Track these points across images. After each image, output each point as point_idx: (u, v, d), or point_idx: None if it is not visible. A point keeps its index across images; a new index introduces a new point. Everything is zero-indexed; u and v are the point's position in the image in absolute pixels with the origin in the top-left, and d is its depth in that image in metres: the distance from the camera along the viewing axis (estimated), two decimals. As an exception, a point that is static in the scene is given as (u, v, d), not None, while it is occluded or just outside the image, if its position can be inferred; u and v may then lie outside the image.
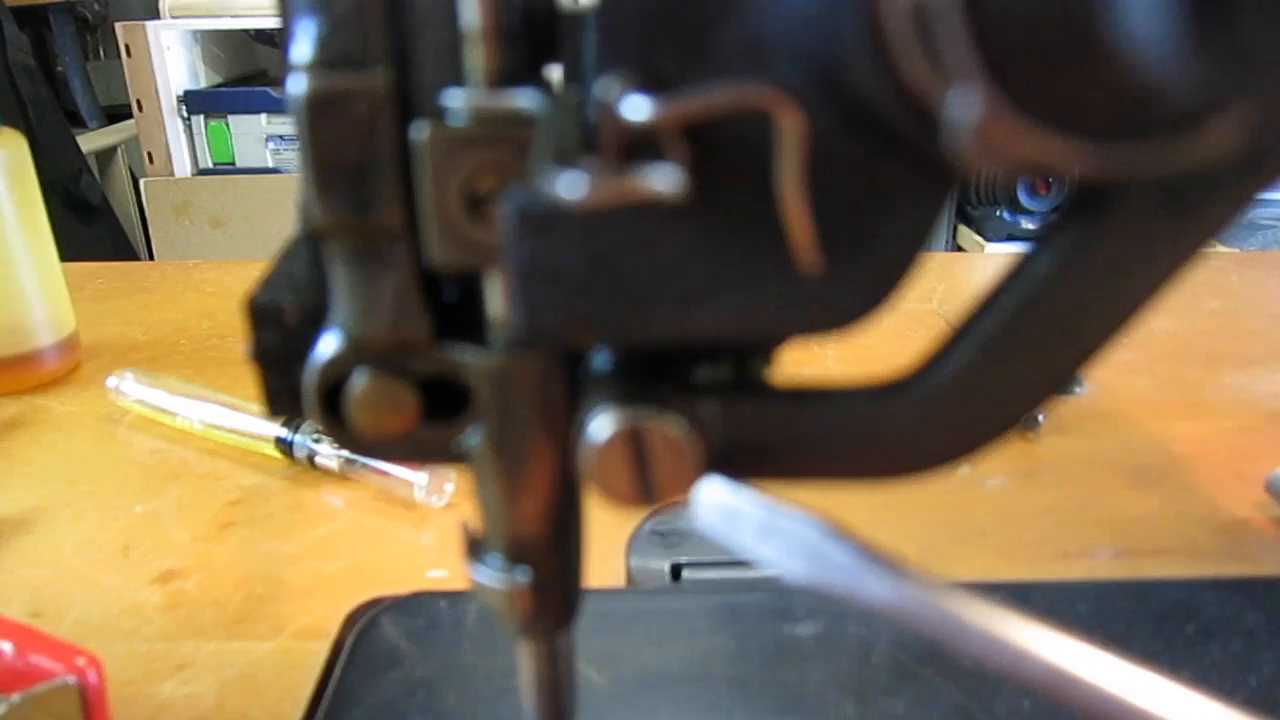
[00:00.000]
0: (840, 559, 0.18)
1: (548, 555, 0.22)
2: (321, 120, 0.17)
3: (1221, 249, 1.02)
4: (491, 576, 0.23)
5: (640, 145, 0.15)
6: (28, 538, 0.47)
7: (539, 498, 0.22)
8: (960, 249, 1.81)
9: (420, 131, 0.18)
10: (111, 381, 0.58)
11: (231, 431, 0.54)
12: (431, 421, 0.20)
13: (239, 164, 1.76)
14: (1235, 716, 0.16)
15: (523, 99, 0.17)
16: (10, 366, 0.61)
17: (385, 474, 0.49)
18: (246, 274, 0.79)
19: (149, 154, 1.72)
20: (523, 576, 0.22)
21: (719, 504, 0.19)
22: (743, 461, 0.20)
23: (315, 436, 0.51)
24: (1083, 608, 0.39)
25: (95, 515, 0.49)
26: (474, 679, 0.35)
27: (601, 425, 0.19)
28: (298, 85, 0.17)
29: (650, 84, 0.15)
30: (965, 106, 0.13)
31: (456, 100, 0.17)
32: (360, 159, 0.18)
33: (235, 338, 0.69)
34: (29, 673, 0.30)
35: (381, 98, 0.17)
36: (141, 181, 1.74)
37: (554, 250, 0.17)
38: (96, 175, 1.98)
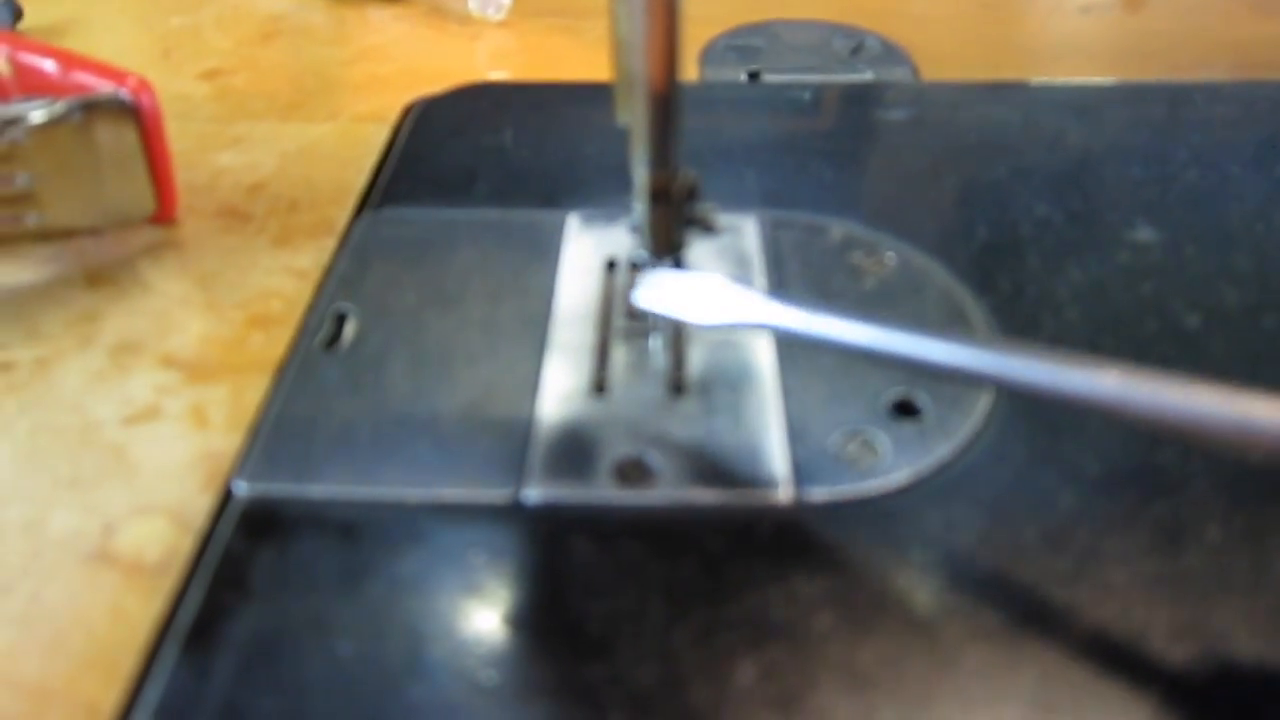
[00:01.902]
0: (745, 297, 0.20)
1: None
2: None
3: None
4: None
5: None
6: (59, 45, 0.44)
7: None
8: None
9: None
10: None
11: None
12: None
13: None
14: None
15: None
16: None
17: (435, -14, 0.45)
18: None
19: None
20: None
21: (656, 287, 0.22)
22: None
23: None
24: (1198, 101, 0.36)
25: (129, 26, 0.46)
26: (546, 147, 0.33)
27: None
28: None
29: None
30: None
31: None
32: None
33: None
34: (77, 90, 0.28)
35: None
36: None
37: None
38: None
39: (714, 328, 0.22)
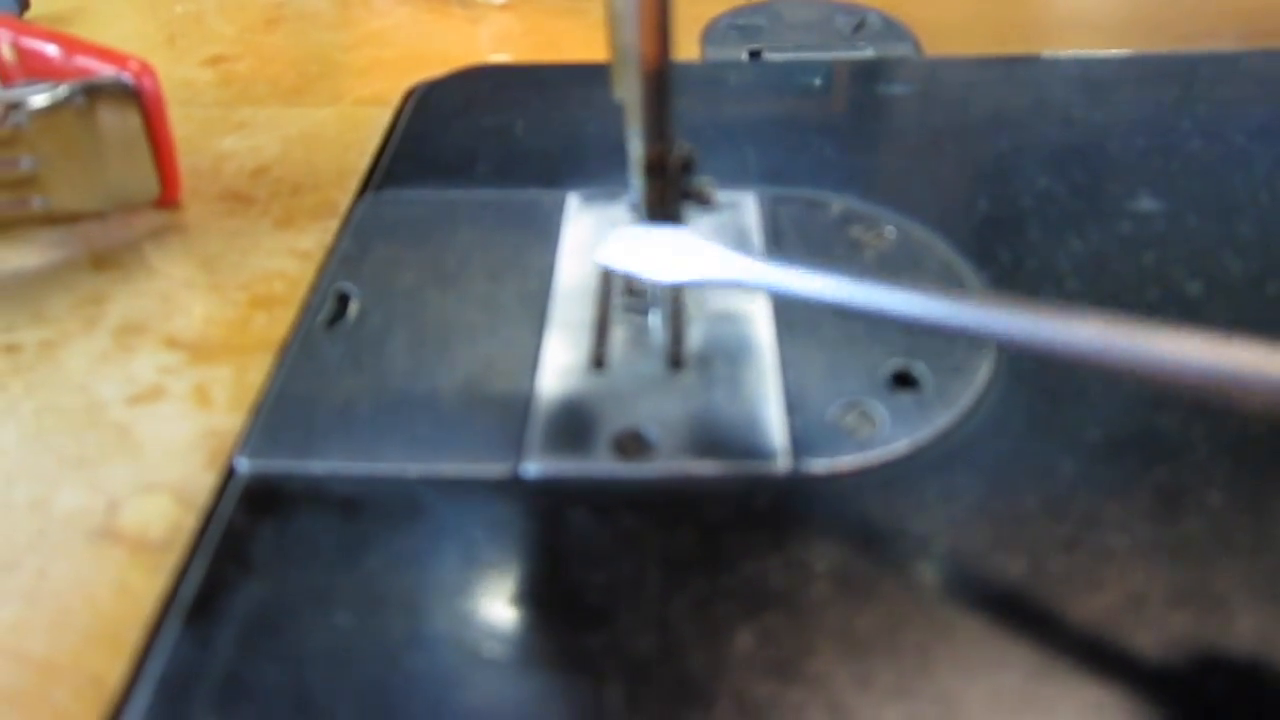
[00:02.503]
0: (708, 252, 0.20)
1: None
2: None
3: None
4: None
5: None
6: (67, 31, 0.44)
7: None
8: None
9: None
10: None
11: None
12: None
13: None
14: None
15: None
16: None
17: (438, -30, 0.45)
18: None
19: None
20: None
21: (620, 243, 0.21)
22: None
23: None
24: (1204, 71, 0.36)
25: (134, 13, 0.46)
26: (548, 128, 0.33)
27: None
28: None
29: None
30: None
31: None
32: None
33: None
34: (80, 74, 0.28)
35: None
36: None
37: None
38: None
39: (678, 285, 0.22)
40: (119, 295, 0.27)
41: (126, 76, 0.28)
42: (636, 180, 0.22)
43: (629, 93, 0.21)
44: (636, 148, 0.22)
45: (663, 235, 0.21)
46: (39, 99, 0.26)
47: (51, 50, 0.29)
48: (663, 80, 0.20)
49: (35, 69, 0.29)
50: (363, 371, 0.23)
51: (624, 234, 0.21)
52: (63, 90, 0.26)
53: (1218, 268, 0.26)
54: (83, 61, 0.28)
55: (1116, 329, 0.15)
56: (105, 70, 0.28)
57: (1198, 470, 0.20)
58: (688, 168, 0.22)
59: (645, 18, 0.20)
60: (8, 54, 0.30)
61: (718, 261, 0.20)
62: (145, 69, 0.28)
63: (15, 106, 0.26)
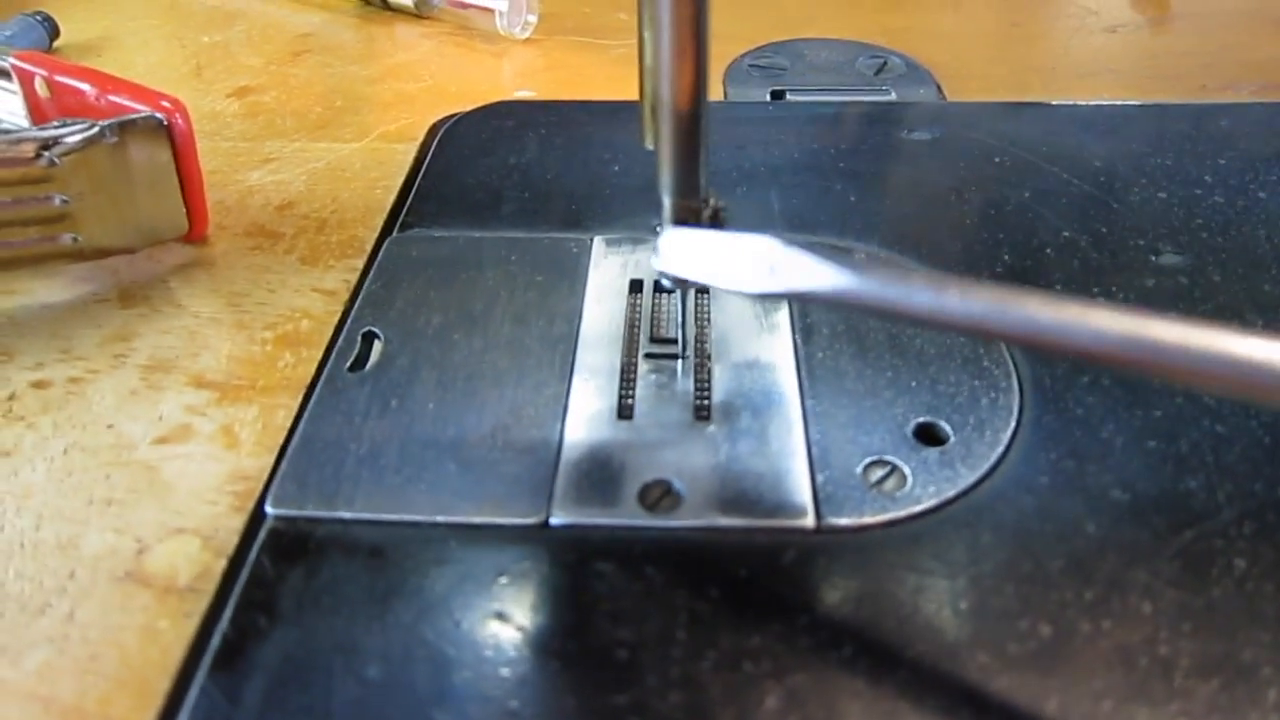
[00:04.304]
0: (801, 260, 0.18)
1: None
2: None
3: None
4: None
5: None
6: (95, 62, 0.45)
7: None
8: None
9: None
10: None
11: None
12: None
13: None
14: None
15: None
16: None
17: (464, 4, 0.46)
18: None
19: None
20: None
21: (680, 247, 0.20)
22: None
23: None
24: (1225, 124, 0.36)
25: (162, 43, 0.47)
26: (572, 167, 0.34)
27: None
28: None
29: None
30: None
31: None
32: None
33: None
34: (113, 112, 0.29)
35: None
36: None
37: None
38: None
39: (756, 295, 0.19)
40: (147, 332, 0.27)
41: (159, 114, 0.28)
42: (666, 230, 0.22)
43: (661, 144, 0.21)
44: (667, 199, 0.22)
45: (737, 242, 0.19)
46: (73, 137, 0.26)
47: (86, 88, 0.29)
48: (696, 136, 0.21)
49: (69, 106, 0.29)
50: (389, 416, 0.23)
51: (682, 236, 0.20)
52: (95, 129, 0.27)
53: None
54: (116, 99, 0.29)
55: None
56: (139, 108, 0.28)
57: (1224, 534, 0.20)
58: (717, 220, 0.22)
59: (679, 74, 0.20)
60: (42, 90, 0.30)
61: (804, 270, 0.18)
62: (177, 106, 0.28)
63: (50, 145, 0.26)
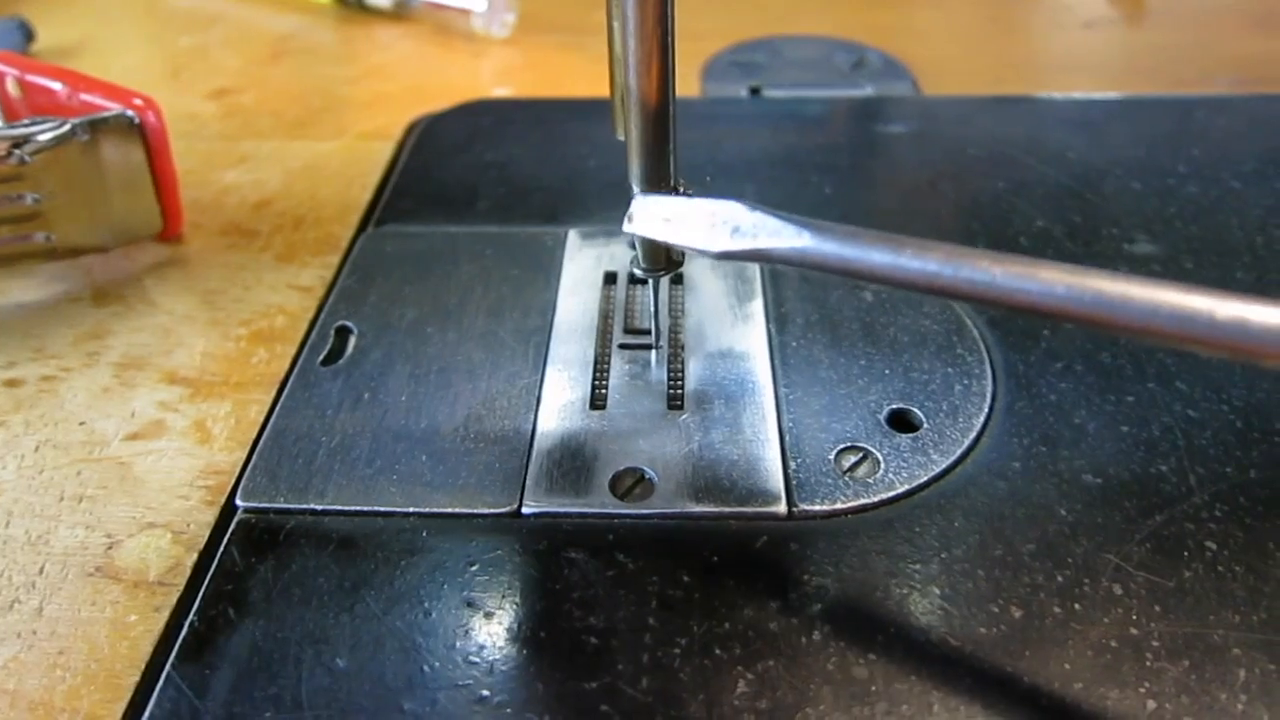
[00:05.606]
0: (763, 222, 0.18)
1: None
2: None
3: None
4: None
5: None
6: (72, 65, 0.44)
7: None
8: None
9: None
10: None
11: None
12: None
13: None
14: None
15: None
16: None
17: (442, 5, 0.46)
18: None
19: None
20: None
21: (652, 212, 0.20)
22: None
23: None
24: (1199, 116, 0.36)
25: (140, 46, 0.46)
26: (548, 163, 0.34)
27: None
28: None
29: None
30: None
31: None
32: None
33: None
34: (85, 110, 0.28)
35: None
36: None
37: None
38: None
39: (721, 255, 0.19)
40: (120, 330, 0.27)
41: (131, 112, 0.28)
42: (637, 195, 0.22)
43: (630, 134, 0.21)
44: (637, 189, 0.22)
45: (704, 205, 0.19)
46: (44, 135, 0.26)
47: (57, 87, 0.29)
48: (664, 123, 0.21)
49: (41, 105, 0.29)
50: (362, 409, 0.23)
51: (653, 201, 0.20)
52: (67, 126, 0.27)
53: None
54: (88, 98, 0.28)
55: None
56: (111, 106, 0.28)
57: (1194, 517, 0.20)
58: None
59: (647, 61, 0.20)
60: (13, 90, 0.30)
61: (767, 231, 0.18)
62: (150, 105, 0.28)
63: (20, 143, 0.26)
